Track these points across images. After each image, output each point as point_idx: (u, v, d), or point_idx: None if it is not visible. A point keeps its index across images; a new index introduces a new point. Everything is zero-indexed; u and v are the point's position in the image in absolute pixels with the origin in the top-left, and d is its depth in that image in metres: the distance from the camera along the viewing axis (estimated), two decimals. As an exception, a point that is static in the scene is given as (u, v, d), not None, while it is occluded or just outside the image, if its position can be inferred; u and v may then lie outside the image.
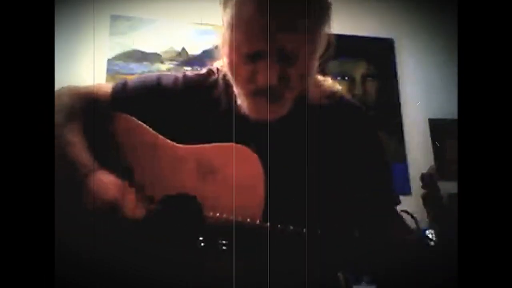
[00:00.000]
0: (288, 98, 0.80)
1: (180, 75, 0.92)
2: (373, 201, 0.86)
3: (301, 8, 0.72)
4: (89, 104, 0.88)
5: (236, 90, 0.82)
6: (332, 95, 0.90)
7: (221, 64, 0.88)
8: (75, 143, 0.80)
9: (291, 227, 0.70)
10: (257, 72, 0.75)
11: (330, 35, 0.80)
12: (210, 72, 0.92)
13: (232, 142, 0.78)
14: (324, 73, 0.90)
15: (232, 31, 0.75)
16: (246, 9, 0.72)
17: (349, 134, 0.88)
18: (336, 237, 0.70)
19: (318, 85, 0.90)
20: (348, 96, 0.96)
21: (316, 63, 0.81)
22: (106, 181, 0.77)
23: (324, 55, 0.81)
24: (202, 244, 0.72)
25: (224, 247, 0.70)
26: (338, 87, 0.93)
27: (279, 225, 0.70)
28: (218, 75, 0.90)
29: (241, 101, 0.81)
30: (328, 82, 0.92)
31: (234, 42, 0.75)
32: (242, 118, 0.82)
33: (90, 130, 0.84)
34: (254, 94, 0.78)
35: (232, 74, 0.80)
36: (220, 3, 0.79)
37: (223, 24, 0.79)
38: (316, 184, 0.81)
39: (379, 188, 0.88)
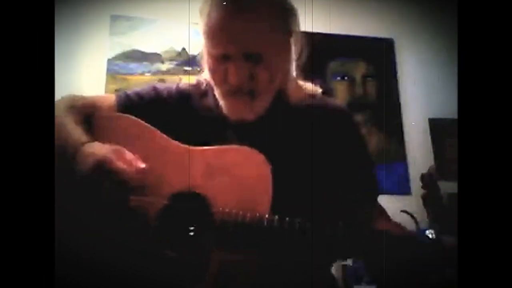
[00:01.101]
0: (263, 97, 0.85)
1: (173, 86, 0.97)
2: (356, 200, 0.87)
3: (264, 10, 0.80)
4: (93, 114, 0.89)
5: (216, 92, 0.88)
6: (313, 97, 0.94)
7: (207, 75, 0.91)
8: (65, 123, 0.82)
9: (287, 222, 0.71)
10: (227, 73, 0.82)
11: (302, 37, 0.87)
12: (199, 83, 0.97)
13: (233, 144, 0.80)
14: (305, 76, 0.95)
15: (204, 37, 0.83)
16: (215, 16, 0.80)
17: (331, 134, 0.90)
18: (323, 232, 0.71)
19: (299, 89, 0.94)
20: (329, 98, 1.02)
21: (291, 64, 0.88)
22: (96, 147, 0.78)
23: (300, 56, 0.88)
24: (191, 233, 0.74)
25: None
26: (318, 90, 0.97)
27: (275, 221, 0.71)
28: (206, 85, 0.95)
29: (221, 102, 0.87)
30: (307, 86, 0.96)
31: (206, 47, 0.83)
32: (227, 119, 0.86)
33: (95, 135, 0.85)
34: (229, 94, 0.84)
35: (211, 78, 0.86)
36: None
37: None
38: (301, 182, 0.83)
39: (361, 187, 0.89)
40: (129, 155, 0.77)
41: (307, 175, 0.84)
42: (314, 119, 0.90)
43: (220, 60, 0.82)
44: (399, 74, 2.74)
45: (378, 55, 2.74)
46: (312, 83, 0.97)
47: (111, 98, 0.95)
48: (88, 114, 0.89)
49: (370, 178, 0.93)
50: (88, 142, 0.79)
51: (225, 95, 0.85)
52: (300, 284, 0.76)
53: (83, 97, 0.93)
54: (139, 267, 0.73)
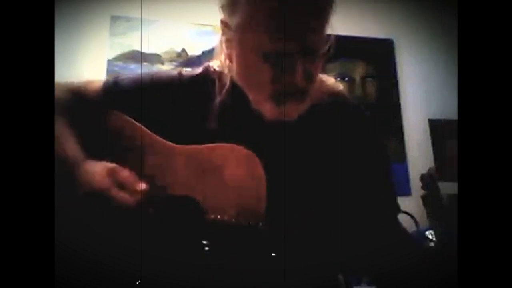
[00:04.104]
0: (311, 97, 0.77)
1: (175, 73, 0.90)
2: (374, 205, 0.83)
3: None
4: (79, 99, 0.86)
5: (250, 97, 0.78)
6: (334, 95, 0.88)
7: (218, 64, 0.86)
8: (62, 136, 0.78)
9: (290, 228, 0.70)
10: (282, 72, 0.71)
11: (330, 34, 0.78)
12: (205, 71, 0.90)
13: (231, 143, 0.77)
14: (325, 72, 0.87)
15: (245, 32, 0.72)
16: (264, 7, 0.69)
17: (351, 135, 0.85)
18: (336, 238, 0.70)
19: (321, 83, 0.86)
20: (350, 96, 0.93)
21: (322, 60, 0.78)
22: (94, 169, 0.75)
23: (329, 50, 0.77)
24: (207, 248, 0.72)
25: (206, 248, 0.70)
26: (340, 86, 0.90)
27: (277, 226, 0.70)
28: (215, 75, 0.87)
29: (257, 106, 0.78)
30: (330, 81, 0.89)
31: (242, 43, 0.73)
32: (255, 119, 0.80)
33: (80, 126, 0.83)
34: (275, 96, 0.74)
35: (242, 78, 0.78)
36: (221, 7, 0.77)
37: (228, 28, 0.77)
38: (316, 185, 0.81)
39: (379, 192, 0.86)
40: (126, 175, 0.75)
41: (322, 179, 0.80)
42: (335, 117, 0.85)
43: (270, 58, 0.70)
44: (399, 74, 2.74)
45: (378, 55, 2.74)
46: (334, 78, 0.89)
47: (98, 83, 0.89)
48: (75, 101, 0.84)
49: (389, 192, 0.88)
50: (84, 159, 0.76)
51: (269, 98, 0.74)
52: (300, 284, 0.76)
53: (71, 84, 0.87)
54: (139, 267, 0.73)
